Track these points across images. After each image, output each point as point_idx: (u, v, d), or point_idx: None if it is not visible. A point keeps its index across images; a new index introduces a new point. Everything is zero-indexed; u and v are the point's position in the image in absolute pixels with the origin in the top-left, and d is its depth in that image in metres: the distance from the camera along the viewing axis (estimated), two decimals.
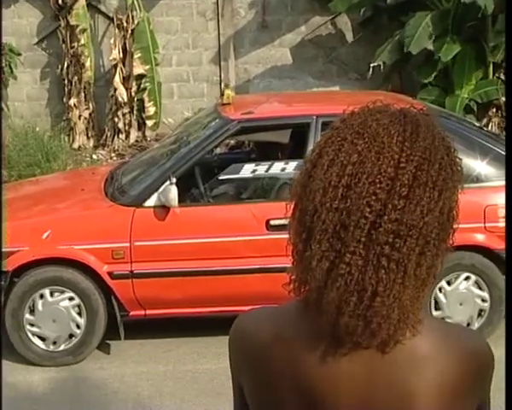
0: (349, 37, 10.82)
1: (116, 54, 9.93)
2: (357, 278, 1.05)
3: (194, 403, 4.04)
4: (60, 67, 10.18)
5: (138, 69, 9.94)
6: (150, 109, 10.15)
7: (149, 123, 10.21)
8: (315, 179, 1.09)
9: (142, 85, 10.02)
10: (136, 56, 9.93)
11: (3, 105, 9.76)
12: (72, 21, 9.81)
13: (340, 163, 1.08)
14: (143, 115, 10.23)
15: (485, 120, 10.13)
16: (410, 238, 1.05)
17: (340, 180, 1.07)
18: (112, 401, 4.08)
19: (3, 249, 4.26)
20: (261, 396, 1.17)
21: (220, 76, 10.90)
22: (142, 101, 10.12)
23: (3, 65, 9.68)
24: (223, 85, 7.73)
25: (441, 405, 1.09)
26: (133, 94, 10.13)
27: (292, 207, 1.14)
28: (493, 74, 10.12)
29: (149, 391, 4.17)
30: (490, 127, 10.05)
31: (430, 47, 9.26)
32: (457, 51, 9.45)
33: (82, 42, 9.87)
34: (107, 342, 4.75)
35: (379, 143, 1.07)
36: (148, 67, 10.03)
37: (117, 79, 9.94)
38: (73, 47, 9.94)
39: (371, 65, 9.62)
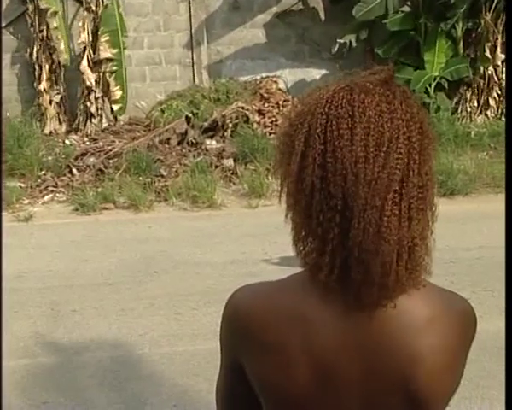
0: (321, 16, 10.81)
1: (85, 37, 9.82)
2: (398, 238, 1.12)
3: (171, 385, 4.04)
4: (29, 51, 10.05)
5: (105, 53, 9.83)
6: (117, 93, 10.07)
7: (115, 107, 10.12)
8: (337, 161, 1.12)
9: (108, 69, 9.91)
10: (103, 40, 9.82)
11: None
12: (43, 5, 9.66)
13: (360, 139, 1.12)
14: (110, 99, 10.14)
15: (456, 98, 10.21)
16: (429, 187, 1.16)
17: (366, 155, 1.12)
18: (88, 386, 4.07)
19: None
20: (269, 371, 1.18)
21: (192, 58, 10.84)
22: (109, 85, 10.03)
23: None
24: None
25: (444, 366, 1.16)
26: (107, 78, 10.03)
27: (302, 204, 1.16)
28: (463, 52, 10.19)
29: (126, 375, 4.16)
30: (461, 104, 10.14)
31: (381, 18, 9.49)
32: (411, 26, 9.65)
33: (54, 25, 9.73)
34: (82, 326, 4.75)
35: (386, 110, 1.14)
36: (116, 50, 9.93)
37: (84, 64, 9.84)
38: (42, 31, 9.80)
39: (338, 40, 9.72)
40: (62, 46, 9.88)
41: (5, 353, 4.42)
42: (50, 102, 10.03)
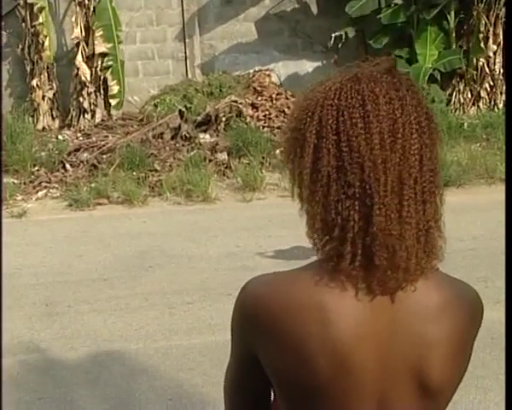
0: (314, 9, 10.80)
1: (78, 32, 9.78)
2: (416, 222, 1.16)
3: (166, 380, 4.04)
4: (20, 46, 10.00)
5: (100, 47, 9.81)
6: (114, 88, 10.05)
7: (113, 102, 10.11)
8: (352, 150, 1.15)
9: (104, 64, 9.88)
10: (97, 34, 9.79)
11: None
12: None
13: (374, 127, 1.14)
14: (108, 94, 10.12)
15: (449, 89, 10.21)
16: (438, 170, 1.20)
17: (382, 142, 1.14)
18: (83, 382, 4.07)
19: None
20: (285, 360, 1.19)
21: (185, 52, 10.82)
22: (105, 80, 10.00)
23: None
24: None
25: (454, 353, 1.20)
26: (98, 73, 9.99)
27: (319, 195, 1.17)
28: (456, 44, 10.18)
29: (121, 370, 4.16)
30: (454, 96, 10.15)
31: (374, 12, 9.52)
32: (403, 18, 9.66)
33: (40, 20, 9.69)
34: (77, 321, 4.76)
35: (395, 98, 1.16)
36: (110, 45, 9.90)
37: (79, 59, 9.81)
38: (34, 26, 9.76)
39: (333, 35, 9.72)
40: (47, 43, 9.84)
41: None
42: (43, 98, 10.00)
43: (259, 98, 10.15)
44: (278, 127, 9.62)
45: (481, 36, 10.11)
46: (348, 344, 1.16)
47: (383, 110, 1.15)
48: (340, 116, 1.15)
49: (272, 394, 1.36)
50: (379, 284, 1.16)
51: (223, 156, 8.81)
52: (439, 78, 9.95)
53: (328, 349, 1.16)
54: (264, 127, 9.56)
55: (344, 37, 10.01)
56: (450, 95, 10.16)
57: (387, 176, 1.14)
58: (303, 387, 1.19)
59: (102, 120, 10.10)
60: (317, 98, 1.19)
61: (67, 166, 8.63)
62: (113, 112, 10.25)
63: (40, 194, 8.10)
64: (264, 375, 1.26)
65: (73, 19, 9.90)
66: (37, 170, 8.55)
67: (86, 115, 10.04)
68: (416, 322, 1.18)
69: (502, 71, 10.32)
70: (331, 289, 1.17)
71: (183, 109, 9.67)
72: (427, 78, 9.76)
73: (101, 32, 9.83)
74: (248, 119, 9.63)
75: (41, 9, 9.74)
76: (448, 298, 1.21)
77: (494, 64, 10.22)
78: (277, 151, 8.95)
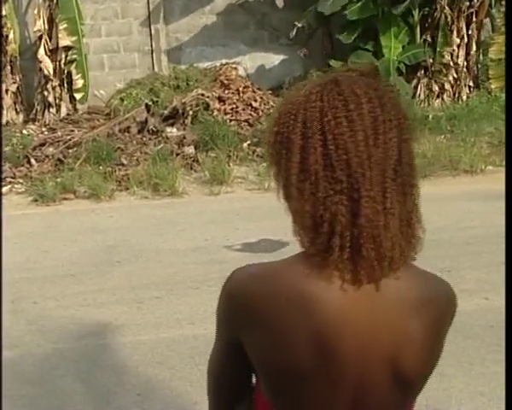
0: (279, 2, 10.81)
1: (41, 25, 9.66)
2: (399, 213, 1.21)
3: (134, 374, 4.03)
4: None
5: (64, 41, 9.70)
6: (78, 82, 9.95)
7: (78, 96, 10.01)
8: (339, 148, 1.19)
9: (68, 57, 9.78)
10: (61, 27, 9.67)
11: None
12: None
13: (358, 124, 1.19)
14: (72, 88, 10.02)
15: (414, 81, 10.32)
16: (415, 164, 1.26)
17: (366, 139, 1.19)
18: (50, 378, 4.04)
19: None
20: (270, 348, 1.23)
21: (151, 45, 10.76)
22: (70, 73, 9.90)
23: None
24: None
25: (429, 347, 1.25)
26: (62, 66, 9.88)
27: (307, 193, 1.21)
28: (420, 37, 10.29)
29: (89, 365, 4.14)
30: (419, 88, 10.26)
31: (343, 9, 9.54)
32: (370, 13, 9.71)
33: (4, 13, 9.55)
34: (44, 317, 4.71)
35: (374, 97, 1.22)
36: (74, 38, 9.80)
37: (41, 52, 9.69)
38: None
39: (296, 23, 9.73)
40: (11, 35, 9.71)
41: None
42: (6, 92, 9.86)
43: (226, 91, 10.14)
44: (245, 120, 9.63)
45: (445, 29, 10.23)
46: (332, 333, 1.20)
47: (365, 109, 1.20)
48: (324, 117, 1.20)
49: (254, 386, 1.39)
50: (365, 275, 1.20)
51: (190, 150, 8.79)
52: (404, 70, 10.05)
53: (313, 338, 1.19)
54: (231, 121, 9.56)
55: (306, 27, 10.03)
56: (415, 87, 10.26)
57: (372, 170, 1.19)
58: (287, 375, 1.23)
59: (68, 115, 10.00)
60: (298, 102, 1.24)
61: (32, 160, 8.53)
62: (78, 106, 10.15)
63: (5, 189, 7.99)
64: (247, 365, 1.30)
65: (36, 11, 9.77)
66: (2, 165, 8.43)
67: (51, 109, 9.93)
68: (395, 313, 1.22)
69: (465, 63, 10.46)
70: (318, 280, 1.21)
71: (150, 103, 9.63)
72: (394, 71, 9.85)
73: (64, 25, 9.71)
74: (215, 112, 9.62)
75: (4, 1, 9.59)
76: (426, 292, 1.26)
77: (457, 57, 10.35)
78: (244, 145, 8.97)
